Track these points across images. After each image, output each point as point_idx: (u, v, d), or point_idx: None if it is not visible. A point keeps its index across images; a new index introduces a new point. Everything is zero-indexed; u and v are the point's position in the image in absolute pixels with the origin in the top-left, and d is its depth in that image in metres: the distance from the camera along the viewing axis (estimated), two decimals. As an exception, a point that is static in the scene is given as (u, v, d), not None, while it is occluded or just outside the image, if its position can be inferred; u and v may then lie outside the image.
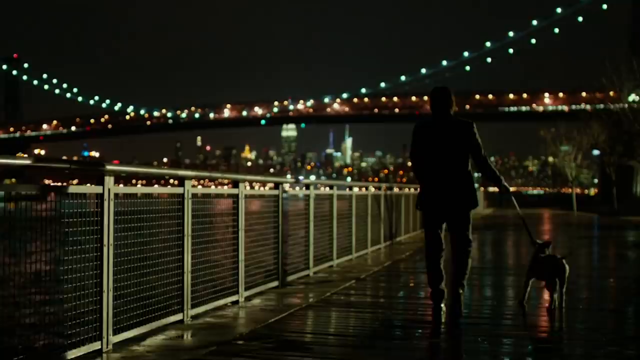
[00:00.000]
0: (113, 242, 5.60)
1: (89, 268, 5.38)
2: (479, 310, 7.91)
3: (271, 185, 9.68)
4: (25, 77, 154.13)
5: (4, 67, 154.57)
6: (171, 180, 7.58)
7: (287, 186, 9.91)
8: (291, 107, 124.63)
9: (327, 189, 12.25)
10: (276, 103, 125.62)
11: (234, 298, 7.85)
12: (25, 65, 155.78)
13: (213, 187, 10.73)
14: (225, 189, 8.35)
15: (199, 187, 8.36)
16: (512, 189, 7.91)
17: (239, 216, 8.00)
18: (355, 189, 14.14)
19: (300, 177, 11.21)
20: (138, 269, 5.95)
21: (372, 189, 15.66)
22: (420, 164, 7.35)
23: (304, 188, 10.74)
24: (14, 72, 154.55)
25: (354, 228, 13.39)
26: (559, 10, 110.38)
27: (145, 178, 7.47)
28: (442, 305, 7.28)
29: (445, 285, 7.33)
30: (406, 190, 19.74)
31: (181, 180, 6.82)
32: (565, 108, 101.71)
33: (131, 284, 5.85)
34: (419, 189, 7.54)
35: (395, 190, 17.86)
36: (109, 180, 5.58)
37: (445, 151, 7.22)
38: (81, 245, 5.32)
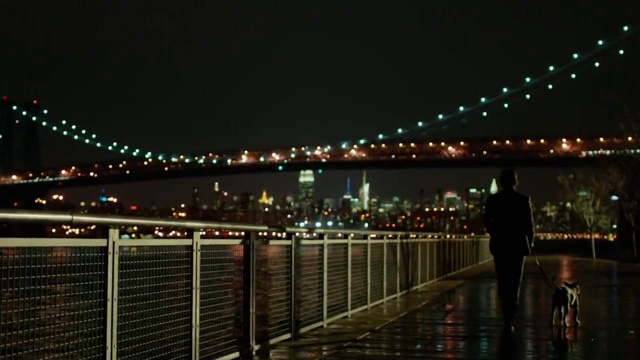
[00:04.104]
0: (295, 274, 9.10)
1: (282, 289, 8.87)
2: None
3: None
4: (44, 123, 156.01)
5: (24, 113, 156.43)
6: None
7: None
8: (308, 153, 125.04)
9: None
10: (293, 149, 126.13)
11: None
12: (45, 111, 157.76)
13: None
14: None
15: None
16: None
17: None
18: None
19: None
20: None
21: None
22: (492, 224, 10.77)
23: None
24: (34, 118, 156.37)
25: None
26: (575, 55, 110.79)
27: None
28: (510, 323, 10.56)
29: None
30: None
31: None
32: (583, 154, 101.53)
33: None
34: (490, 240, 10.98)
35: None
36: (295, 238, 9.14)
37: (508, 215, 10.64)
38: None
